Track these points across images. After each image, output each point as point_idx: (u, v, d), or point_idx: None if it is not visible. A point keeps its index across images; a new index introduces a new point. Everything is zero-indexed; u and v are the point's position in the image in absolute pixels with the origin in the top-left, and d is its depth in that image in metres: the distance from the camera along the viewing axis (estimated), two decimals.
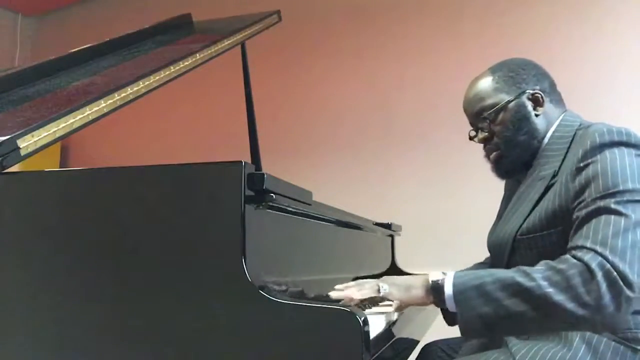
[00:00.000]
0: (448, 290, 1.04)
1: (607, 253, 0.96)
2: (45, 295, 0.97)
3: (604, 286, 0.94)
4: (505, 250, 1.23)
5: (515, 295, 0.99)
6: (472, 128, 1.33)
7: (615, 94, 2.70)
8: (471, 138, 1.34)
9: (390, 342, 1.10)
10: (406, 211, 2.95)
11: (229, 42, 1.68)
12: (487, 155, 1.31)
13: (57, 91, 1.34)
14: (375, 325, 1.02)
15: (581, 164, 1.09)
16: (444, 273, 1.08)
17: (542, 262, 1.02)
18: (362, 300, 1.18)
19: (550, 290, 0.96)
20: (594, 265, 0.96)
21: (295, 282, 1.14)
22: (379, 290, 1.11)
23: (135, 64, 1.56)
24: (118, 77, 1.36)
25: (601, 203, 1.03)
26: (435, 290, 1.06)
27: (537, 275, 0.99)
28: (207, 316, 0.88)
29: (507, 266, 1.22)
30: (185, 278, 0.90)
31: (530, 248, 1.18)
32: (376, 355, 0.97)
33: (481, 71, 1.33)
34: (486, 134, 1.28)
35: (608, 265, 0.95)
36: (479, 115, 1.28)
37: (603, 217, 1.01)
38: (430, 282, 1.07)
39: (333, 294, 1.15)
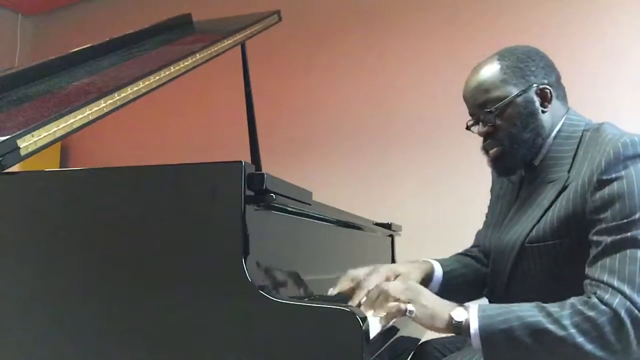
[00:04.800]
0: (474, 331, 1.00)
1: (634, 296, 0.96)
2: (45, 294, 0.97)
3: (632, 334, 0.95)
4: (510, 258, 1.20)
5: (545, 343, 0.97)
6: (470, 118, 1.26)
7: (615, 90, 2.70)
8: (468, 128, 1.27)
9: (390, 341, 1.10)
10: (406, 211, 2.95)
11: (229, 42, 1.68)
12: (486, 150, 1.25)
13: (57, 91, 1.34)
14: (375, 324, 1.02)
15: (604, 177, 1.05)
16: (464, 306, 1.04)
17: (569, 304, 1.00)
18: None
19: (581, 339, 0.96)
20: (622, 313, 0.95)
21: (295, 282, 1.14)
22: (405, 312, 1.02)
23: (135, 64, 1.56)
24: (118, 77, 1.36)
25: (628, 234, 1.01)
26: (457, 329, 1.02)
27: (567, 323, 0.97)
28: (207, 316, 0.88)
29: (511, 274, 1.21)
30: (185, 278, 0.90)
31: (539, 257, 1.15)
32: (376, 355, 0.96)
33: None
34: (488, 127, 1.22)
35: (636, 312, 0.96)
36: (483, 108, 1.21)
37: (629, 251, 1.00)
38: (454, 322, 1.02)
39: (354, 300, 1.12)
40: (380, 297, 1.05)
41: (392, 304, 1.04)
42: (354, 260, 1.63)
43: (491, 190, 1.46)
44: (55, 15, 4.51)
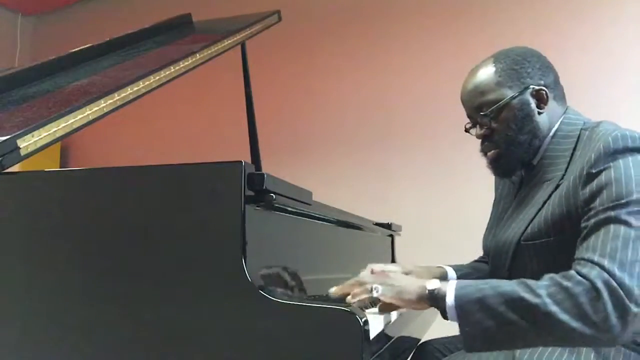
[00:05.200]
0: (449, 301, 0.98)
1: (614, 268, 0.93)
2: (45, 295, 0.97)
3: (609, 306, 0.91)
4: (507, 256, 1.20)
5: (518, 311, 0.94)
6: (469, 120, 1.27)
7: (615, 90, 2.70)
8: (467, 130, 1.28)
9: (391, 341, 1.10)
10: (406, 211, 2.96)
11: (229, 42, 1.68)
12: (484, 152, 1.26)
13: (57, 91, 1.34)
14: (375, 324, 1.02)
15: (593, 170, 1.05)
16: (441, 280, 1.03)
17: (547, 277, 0.98)
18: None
19: (554, 308, 0.92)
20: (599, 284, 0.92)
21: (295, 282, 1.14)
22: (371, 290, 1.02)
23: (135, 64, 1.57)
24: (118, 77, 1.36)
25: (612, 213, 0.99)
26: (433, 300, 1.01)
27: (542, 292, 0.94)
28: (207, 316, 0.88)
29: (509, 272, 1.20)
30: (185, 278, 0.90)
31: (535, 254, 1.14)
32: (376, 355, 0.96)
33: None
34: (485, 130, 1.23)
35: (614, 284, 0.92)
36: (479, 110, 1.22)
37: (612, 228, 0.98)
38: (427, 291, 1.01)
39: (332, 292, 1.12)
40: (355, 284, 1.06)
41: (362, 287, 1.04)
42: (354, 260, 1.63)
43: (495, 191, 1.47)
44: (55, 15, 4.51)
